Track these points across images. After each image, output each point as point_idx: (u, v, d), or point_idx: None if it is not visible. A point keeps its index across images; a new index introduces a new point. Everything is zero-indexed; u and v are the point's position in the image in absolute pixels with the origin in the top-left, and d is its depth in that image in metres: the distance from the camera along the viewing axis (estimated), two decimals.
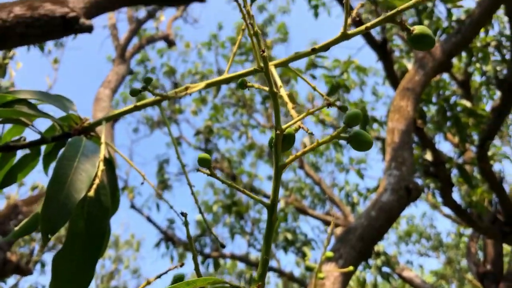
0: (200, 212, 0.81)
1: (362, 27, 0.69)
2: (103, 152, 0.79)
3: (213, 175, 0.55)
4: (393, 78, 4.30)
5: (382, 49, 4.15)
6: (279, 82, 0.70)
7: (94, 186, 0.69)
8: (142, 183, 0.93)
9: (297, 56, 0.75)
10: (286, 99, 0.66)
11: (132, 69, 5.57)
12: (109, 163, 0.97)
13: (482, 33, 5.63)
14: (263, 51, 0.57)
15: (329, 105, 0.59)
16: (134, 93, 0.67)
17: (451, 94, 6.11)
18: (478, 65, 6.17)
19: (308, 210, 8.98)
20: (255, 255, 9.60)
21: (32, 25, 1.91)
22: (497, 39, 5.47)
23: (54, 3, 2.02)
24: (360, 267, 8.02)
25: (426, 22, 5.74)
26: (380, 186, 2.67)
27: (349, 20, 0.72)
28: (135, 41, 7.31)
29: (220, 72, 10.07)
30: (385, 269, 7.31)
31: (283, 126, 0.59)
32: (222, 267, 13.62)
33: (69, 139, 0.85)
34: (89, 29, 2.11)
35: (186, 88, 0.81)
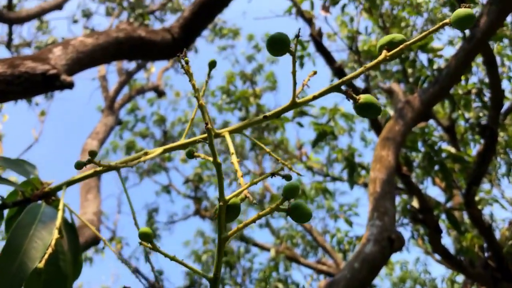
0: (147, 258, 0.80)
1: (310, 96, 0.71)
2: (59, 220, 0.78)
3: (155, 249, 0.55)
4: (377, 126, 4.36)
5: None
6: (231, 149, 0.71)
7: (46, 256, 0.69)
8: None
9: (250, 123, 0.76)
10: (236, 166, 0.67)
11: (121, 119, 5.61)
12: (71, 227, 0.96)
13: (463, 81, 5.78)
14: (207, 124, 0.59)
15: (273, 174, 0.60)
16: (78, 166, 0.68)
17: (438, 140, 6.19)
18: (460, 111, 6.29)
19: (299, 258, 8.84)
20: None
21: (12, 82, 1.94)
22: (477, 87, 5.61)
23: (35, 61, 2.06)
24: None
25: (410, 70, 5.90)
26: (363, 237, 2.66)
27: (299, 89, 0.74)
28: (125, 91, 7.40)
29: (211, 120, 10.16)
30: None
31: (229, 196, 0.59)
32: None
33: (27, 206, 0.84)
34: (70, 85, 2.14)
35: (145, 153, 0.82)
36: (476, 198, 5.91)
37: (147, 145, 9.85)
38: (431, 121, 7.75)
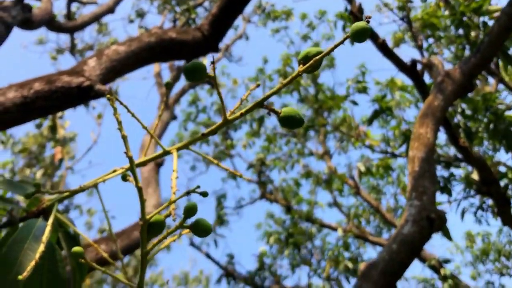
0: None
1: (238, 114, 0.77)
2: (46, 234, 0.90)
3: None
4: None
5: (413, 72, 4.10)
6: (175, 166, 0.78)
7: (29, 268, 0.80)
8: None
9: (193, 140, 0.83)
10: (174, 183, 0.74)
11: (176, 114, 5.85)
12: (73, 238, 1.08)
13: None
14: (126, 153, 0.66)
15: (188, 193, 0.67)
16: (27, 196, 0.78)
17: (504, 108, 5.86)
18: None
19: (368, 236, 8.77)
20: (317, 284, 9.46)
21: (50, 97, 2.12)
22: None
23: (71, 75, 2.24)
24: None
25: (473, 33, 5.57)
26: (402, 217, 2.62)
27: (236, 105, 0.80)
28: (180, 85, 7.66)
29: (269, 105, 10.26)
30: None
31: (150, 215, 0.67)
32: None
33: (21, 223, 0.97)
34: (104, 94, 2.30)
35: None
36: None
37: None
38: (500, 86, 7.34)
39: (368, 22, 0.65)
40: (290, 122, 0.73)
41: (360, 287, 2.34)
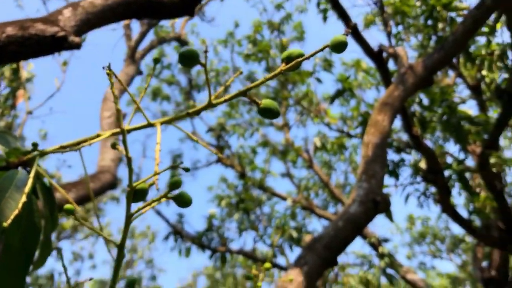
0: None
1: (222, 99, 0.85)
2: (28, 186, 0.97)
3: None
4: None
5: (378, 58, 4.25)
6: (158, 139, 0.86)
7: (12, 217, 0.87)
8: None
9: (177, 117, 0.91)
10: (157, 155, 0.82)
11: (141, 70, 5.79)
12: (48, 190, 1.15)
13: (486, 41, 5.65)
14: (120, 127, 0.74)
15: (172, 167, 0.75)
16: (25, 153, 0.85)
17: (460, 102, 6.14)
18: (484, 72, 6.19)
19: (315, 209, 9.10)
20: (263, 250, 9.79)
21: (23, 44, 2.11)
22: (501, 49, 5.48)
23: (45, 23, 2.22)
24: (364, 267, 8.12)
25: (440, 25, 5.75)
26: (350, 197, 2.80)
27: (220, 90, 0.88)
28: (149, 39, 7.53)
29: (235, 70, 10.26)
30: (389, 270, 7.40)
31: (138, 182, 0.75)
32: (235, 260, 13.86)
33: (6, 173, 1.03)
34: (78, 46, 2.30)
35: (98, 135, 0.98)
36: (493, 161, 5.90)
37: (173, 92, 10.06)
38: (458, 80, 7.64)
39: (347, 35, 0.75)
40: (267, 113, 0.82)
41: (304, 258, 2.52)
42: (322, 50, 0.77)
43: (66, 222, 8.77)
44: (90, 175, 4.44)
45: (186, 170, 0.76)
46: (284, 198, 9.40)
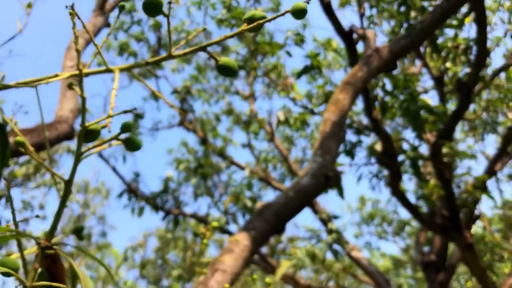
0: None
1: (181, 52, 0.87)
2: None
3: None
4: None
5: (348, 38, 4.30)
6: (116, 85, 0.87)
7: None
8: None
9: (136, 65, 0.92)
10: (112, 100, 0.84)
11: (110, 22, 5.63)
12: (0, 126, 1.14)
13: (453, 34, 5.80)
14: (77, 65, 0.75)
15: (125, 112, 0.77)
16: None
17: (422, 92, 6.31)
18: (448, 64, 6.36)
19: (272, 181, 9.24)
20: (215, 215, 9.89)
21: None
22: (466, 43, 5.65)
23: None
24: (312, 241, 8.35)
25: (413, 13, 5.84)
26: (303, 170, 2.88)
27: (181, 42, 0.89)
28: None
29: (207, 34, 10.12)
30: (336, 246, 7.65)
31: (91, 123, 0.77)
32: (187, 224, 13.96)
33: None
34: None
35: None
36: (445, 151, 6.13)
37: (141, 49, 9.85)
38: (424, 70, 7.81)
39: (308, 2, 0.78)
40: (226, 70, 0.84)
41: (252, 222, 2.58)
42: (283, 14, 0.79)
43: (18, 170, 8.57)
44: (47, 124, 4.35)
45: (139, 116, 0.77)
46: (242, 168, 9.49)
